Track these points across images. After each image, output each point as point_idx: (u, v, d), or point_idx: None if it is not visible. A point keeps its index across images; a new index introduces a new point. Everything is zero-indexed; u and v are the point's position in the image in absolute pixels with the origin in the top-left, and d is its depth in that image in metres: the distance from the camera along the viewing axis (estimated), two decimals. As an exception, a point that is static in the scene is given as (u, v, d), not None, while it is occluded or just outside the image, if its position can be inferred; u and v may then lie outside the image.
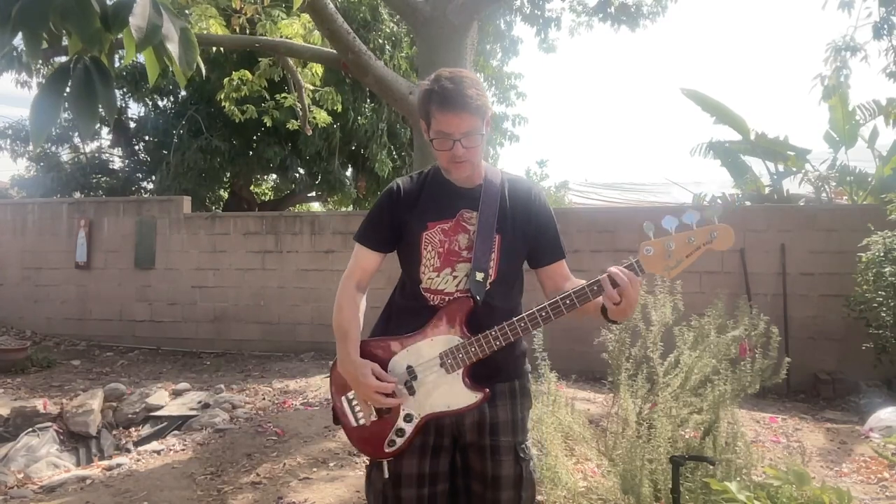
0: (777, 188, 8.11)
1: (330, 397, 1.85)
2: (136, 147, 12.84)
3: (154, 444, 4.70)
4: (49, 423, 5.48)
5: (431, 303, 1.73)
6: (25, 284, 8.81)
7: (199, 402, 5.58)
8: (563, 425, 3.04)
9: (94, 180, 12.32)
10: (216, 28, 6.19)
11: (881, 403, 4.96)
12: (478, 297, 1.69)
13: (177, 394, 5.95)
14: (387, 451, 1.71)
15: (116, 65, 9.24)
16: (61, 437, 5.44)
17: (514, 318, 1.65)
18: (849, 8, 5.86)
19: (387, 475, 1.72)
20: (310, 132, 8.01)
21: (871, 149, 7.93)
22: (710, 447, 2.81)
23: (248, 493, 3.59)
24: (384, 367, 1.71)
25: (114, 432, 5.62)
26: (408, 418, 1.70)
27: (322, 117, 7.55)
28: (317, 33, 6.35)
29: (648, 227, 1.60)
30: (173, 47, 1.57)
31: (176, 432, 5.11)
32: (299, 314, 7.86)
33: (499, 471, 1.73)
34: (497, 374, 1.75)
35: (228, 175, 11.81)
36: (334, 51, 5.27)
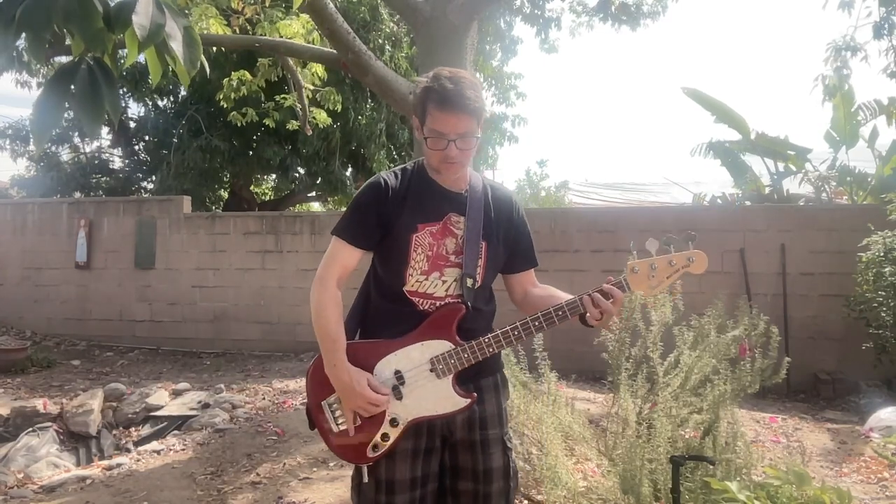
0: (777, 188, 8.11)
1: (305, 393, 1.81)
2: (136, 147, 12.83)
3: (154, 444, 4.70)
4: (49, 423, 5.48)
5: (420, 307, 1.70)
6: (25, 284, 8.81)
7: (199, 402, 5.58)
8: (563, 425, 3.04)
9: (94, 180, 12.32)
10: (216, 28, 6.18)
11: (881, 403, 4.97)
12: (469, 304, 1.69)
13: (177, 394, 5.95)
14: (370, 455, 1.68)
15: (119, 64, 9.22)
16: (61, 437, 5.44)
17: (508, 327, 1.67)
18: (849, 8, 5.86)
19: (366, 479, 1.70)
20: (310, 132, 8.00)
21: (872, 149, 7.94)
22: (710, 447, 2.81)
23: (248, 493, 3.60)
24: (371, 371, 1.68)
25: (114, 432, 5.62)
26: (394, 422, 1.68)
27: (322, 117, 7.55)
28: (316, 33, 6.35)
29: (652, 245, 1.68)
30: (177, 46, 1.57)
31: (176, 432, 5.11)
32: (299, 314, 7.86)
33: (490, 463, 1.74)
34: (482, 370, 1.76)
35: (228, 175, 11.82)
36: (334, 51, 5.26)
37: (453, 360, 1.66)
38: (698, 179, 12.10)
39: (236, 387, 6.22)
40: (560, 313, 1.66)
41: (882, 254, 5.39)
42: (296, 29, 6.34)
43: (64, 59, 6.24)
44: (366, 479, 1.71)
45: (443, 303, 1.70)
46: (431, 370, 1.67)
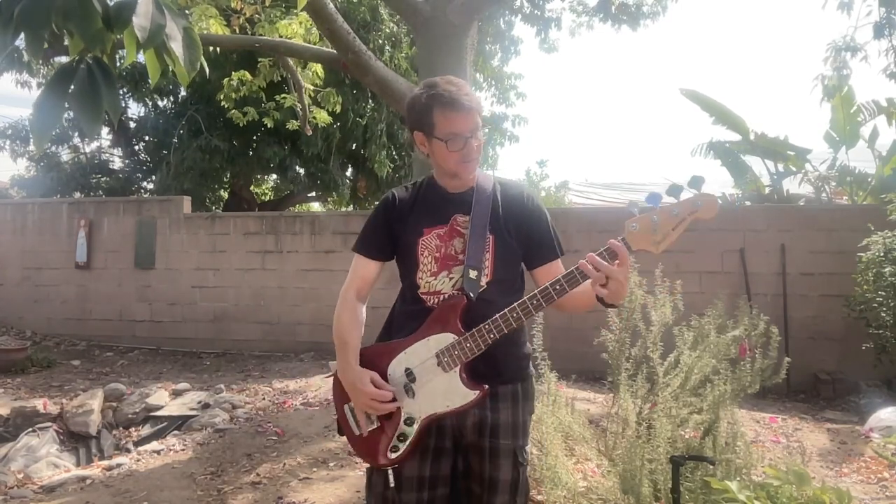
0: (777, 188, 8.11)
1: (332, 400, 1.86)
2: (136, 147, 12.83)
3: (154, 444, 4.70)
4: (49, 423, 5.48)
5: (428, 304, 1.74)
6: (25, 284, 8.81)
7: (199, 402, 5.58)
8: (563, 425, 3.04)
9: (94, 180, 12.31)
10: (216, 28, 6.18)
11: (881, 403, 4.96)
12: (471, 294, 1.68)
13: (177, 394, 5.95)
14: (391, 457, 1.69)
15: (118, 65, 9.22)
16: (61, 437, 5.44)
17: (506, 309, 1.63)
18: (848, 8, 5.85)
19: (392, 483, 1.69)
20: (310, 132, 8.01)
21: (871, 149, 7.94)
22: (710, 447, 2.81)
23: (248, 493, 3.59)
24: (384, 372, 1.71)
25: (114, 432, 5.62)
26: (409, 421, 1.68)
27: (322, 117, 7.55)
28: (316, 33, 6.35)
29: (632, 206, 1.57)
30: (176, 47, 1.56)
31: (176, 432, 5.12)
32: (299, 314, 7.86)
33: (496, 474, 1.72)
34: (499, 374, 1.74)
35: (228, 175, 11.80)
36: (334, 51, 5.26)
37: (457, 351, 1.65)
38: (698, 180, 12.07)
39: (236, 387, 6.22)
40: (558, 287, 1.60)
41: (882, 254, 5.39)
42: (295, 29, 6.34)
43: (64, 59, 6.23)
44: (392, 483, 1.69)
45: (446, 296, 1.72)
46: (438, 364, 1.67)
